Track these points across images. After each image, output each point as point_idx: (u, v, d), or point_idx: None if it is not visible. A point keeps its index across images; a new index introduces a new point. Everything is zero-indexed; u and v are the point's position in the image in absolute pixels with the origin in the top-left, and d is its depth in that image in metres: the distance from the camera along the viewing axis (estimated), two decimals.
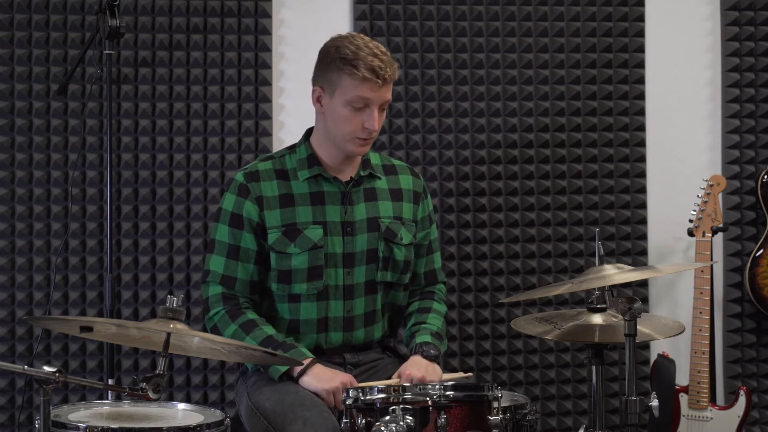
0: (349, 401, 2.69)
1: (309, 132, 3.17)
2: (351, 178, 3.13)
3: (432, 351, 3.07)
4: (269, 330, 3.04)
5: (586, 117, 4.15)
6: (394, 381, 2.99)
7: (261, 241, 3.08)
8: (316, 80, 3.08)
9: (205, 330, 3.12)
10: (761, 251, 4.04)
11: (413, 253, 3.23)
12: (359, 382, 3.06)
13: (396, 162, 3.28)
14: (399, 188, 3.22)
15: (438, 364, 3.07)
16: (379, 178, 3.19)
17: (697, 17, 4.23)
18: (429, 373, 2.99)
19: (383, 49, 3.02)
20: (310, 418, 2.80)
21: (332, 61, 3.01)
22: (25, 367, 2.34)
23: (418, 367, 3.00)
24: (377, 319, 3.17)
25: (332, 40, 3.07)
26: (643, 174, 4.19)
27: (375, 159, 3.22)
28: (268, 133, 3.96)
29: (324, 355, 3.09)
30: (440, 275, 3.35)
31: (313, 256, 3.06)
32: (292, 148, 3.17)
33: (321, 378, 2.94)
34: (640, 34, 4.18)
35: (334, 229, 3.08)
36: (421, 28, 4.05)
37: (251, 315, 3.06)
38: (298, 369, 2.96)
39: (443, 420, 2.60)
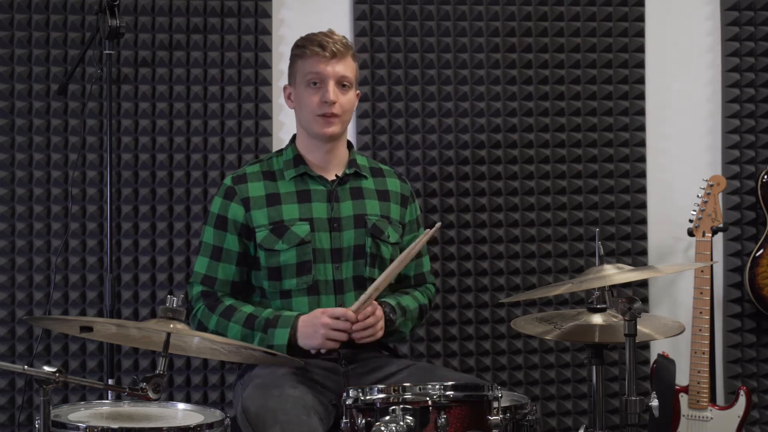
0: (349, 401, 2.69)
1: (295, 136, 3.28)
2: (336, 176, 3.20)
3: (386, 309, 3.10)
4: (248, 309, 3.10)
5: (586, 117, 4.15)
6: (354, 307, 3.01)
7: (245, 242, 3.15)
8: (287, 82, 3.27)
9: (200, 328, 3.14)
10: (761, 251, 4.04)
11: (401, 254, 3.25)
12: (356, 379, 3.09)
13: (383, 166, 3.36)
14: (386, 190, 3.28)
15: (389, 328, 3.10)
16: (366, 178, 3.26)
17: (697, 17, 4.23)
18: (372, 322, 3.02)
19: (336, 33, 3.20)
20: (287, 422, 2.82)
21: (291, 56, 3.23)
22: (25, 367, 2.34)
23: (374, 309, 3.04)
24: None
25: None
26: (643, 174, 4.18)
27: (362, 160, 3.30)
28: (268, 133, 3.96)
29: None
30: (429, 277, 3.40)
31: (301, 252, 3.11)
32: (279, 152, 3.28)
33: (305, 335, 3.01)
34: (640, 34, 4.18)
35: (320, 225, 3.14)
36: (421, 28, 4.05)
37: (228, 301, 3.13)
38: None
39: (443, 420, 2.60)
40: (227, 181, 3.21)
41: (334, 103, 3.11)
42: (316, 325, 3.01)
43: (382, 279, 3.01)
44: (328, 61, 3.12)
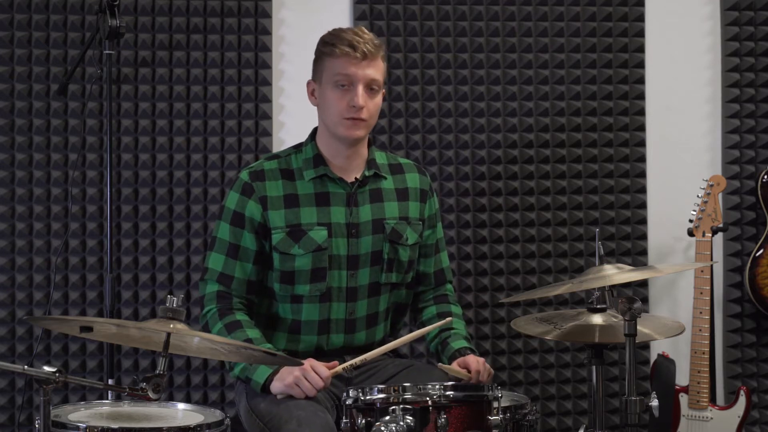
0: (349, 401, 2.69)
1: (315, 132, 3.16)
2: (356, 178, 3.11)
3: (476, 353, 3.08)
4: (252, 334, 2.99)
5: (586, 117, 4.15)
6: (462, 372, 2.98)
7: (262, 241, 3.06)
8: (311, 78, 3.12)
9: (205, 329, 3.12)
10: (761, 251, 4.04)
11: (421, 252, 3.22)
12: (360, 382, 3.08)
13: (402, 160, 3.26)
14: (405, 187, 3.19)
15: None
16: (385, 178, 3.16)
17: (697, 17, 4.23)
18: (487, 369, 3.01)
19: (366, 31, 3.06)
20: (304, 417, 2.80)
21: (317, 51, 3.08)
22: (25, 367, 2.34)
23: (478, 362, 3.01)
24: (379, 320, 3.15)
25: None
26: (643, 174, 4.19)
27: (381, 158, 3.19)
28: (268, 133, 3.96)
29: (324, 356, 3.06)
30: (448, 274, 3.33)
31: (317, 258, 3.04)
32: (298, 148, 3.15)
33: (281, 377, 2.90)
34: (640, 34, 4.18)
35: (338, 230, 3.06)
36: (421, 28, 4.05)
37: (239, 316, 3.03)
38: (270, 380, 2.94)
39: (443, 420, 2.60)
40: (243, 175, 3.07)
41: (362, 108, 3.00)
42: (293, 370, 2.89)
43: (384, 349, 2.97)
44: (358, 62, 2.98)
